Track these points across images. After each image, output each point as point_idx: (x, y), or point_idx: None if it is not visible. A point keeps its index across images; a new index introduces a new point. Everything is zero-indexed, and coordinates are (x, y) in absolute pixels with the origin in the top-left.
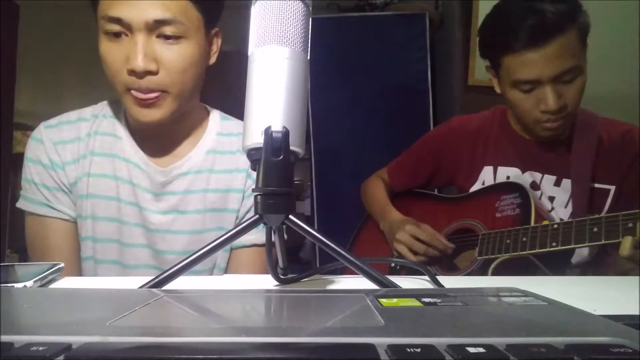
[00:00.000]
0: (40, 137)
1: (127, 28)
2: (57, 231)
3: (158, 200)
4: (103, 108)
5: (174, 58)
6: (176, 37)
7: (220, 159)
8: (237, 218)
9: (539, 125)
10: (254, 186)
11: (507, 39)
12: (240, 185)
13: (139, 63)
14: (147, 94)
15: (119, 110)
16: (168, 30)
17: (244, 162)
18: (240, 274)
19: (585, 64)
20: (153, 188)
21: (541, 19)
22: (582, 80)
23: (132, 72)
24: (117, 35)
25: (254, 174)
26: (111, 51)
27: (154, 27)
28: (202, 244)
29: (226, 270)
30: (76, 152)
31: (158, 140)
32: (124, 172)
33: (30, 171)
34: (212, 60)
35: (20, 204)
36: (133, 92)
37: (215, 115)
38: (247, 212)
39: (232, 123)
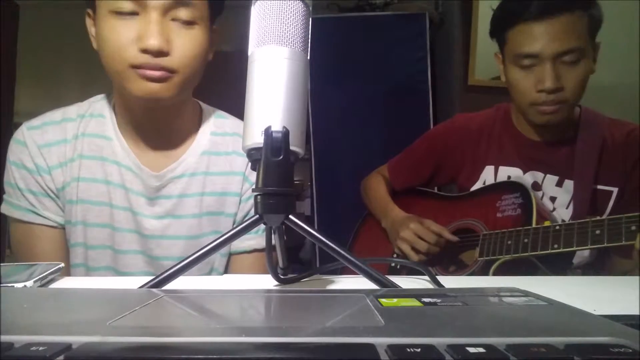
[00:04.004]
0: (24, 139)
1: (142, 6)
2: (44, 238)
3: (152, 205)
4: (90, 107)
5: (187, 42)
6: (190, 22)
7: (215, 161)
8: (234, 222)
9: (534, 108)
10: (251, 189)
11: (519, 8)
12: (237, 189)
13: (154, 42)
14: (154, 71)
15: (107, 108)
16: (183, 13)
17: (240, 164)
18: None
19: (590, 54)
20: (147, 192)
21: None
22: (584, 67)
23: (145, 51)
24: (128, 13)
25: (251, 176)
26: (118, 28)
27: (170, 8)
28: None
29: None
30: (63, 155)
31: (150, 140)
32: (116, 176)
33: (14, 175)
34: (210, 56)
35: (4, 210)
36: (140, 70)
37: (209, 113)
38: (245, 216)
39: (227, 122)
